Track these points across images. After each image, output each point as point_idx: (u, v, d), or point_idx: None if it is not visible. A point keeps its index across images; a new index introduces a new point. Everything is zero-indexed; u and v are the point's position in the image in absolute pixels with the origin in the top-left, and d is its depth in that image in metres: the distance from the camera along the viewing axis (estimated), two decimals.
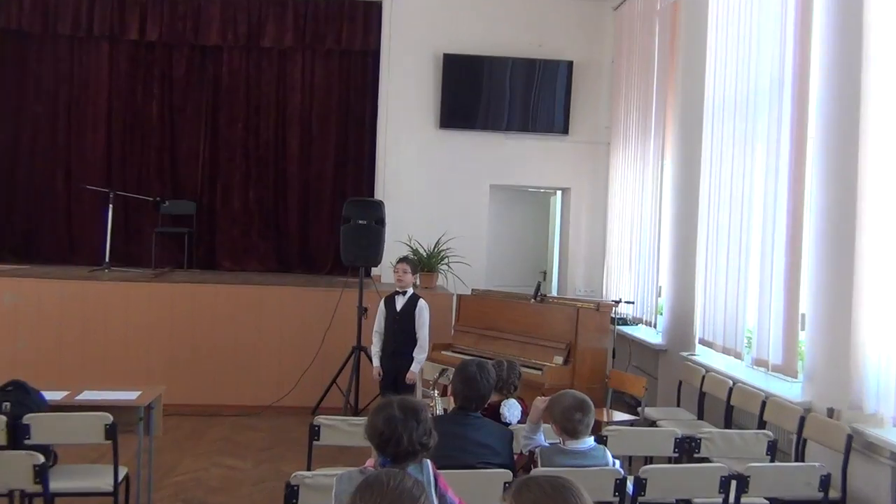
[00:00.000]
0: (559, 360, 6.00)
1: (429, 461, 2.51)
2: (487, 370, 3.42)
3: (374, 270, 8.07)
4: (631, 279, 7.85)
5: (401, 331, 5.63)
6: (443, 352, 6.49)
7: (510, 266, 9.30)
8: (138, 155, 8.90)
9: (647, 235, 7.50)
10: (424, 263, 7.57)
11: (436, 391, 4.03)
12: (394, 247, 7.71)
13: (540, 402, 3.35)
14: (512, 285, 8.64)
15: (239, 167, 9.00)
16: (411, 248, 7.97)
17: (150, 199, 8.45)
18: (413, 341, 5.59)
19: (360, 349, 6.56)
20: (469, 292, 7.20)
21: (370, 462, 2.51)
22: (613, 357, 6.70)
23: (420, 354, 5.59)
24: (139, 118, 8.87)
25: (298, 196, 9.06)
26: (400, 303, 5.71)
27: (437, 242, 8.03)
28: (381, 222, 6.50)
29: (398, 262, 5.76)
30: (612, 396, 6.02)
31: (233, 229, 9.00)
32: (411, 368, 5.55)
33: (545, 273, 9.56)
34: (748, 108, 5.64)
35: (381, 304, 5.72)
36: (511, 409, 3.84)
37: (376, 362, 5.71)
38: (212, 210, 8.99)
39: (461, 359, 5.38)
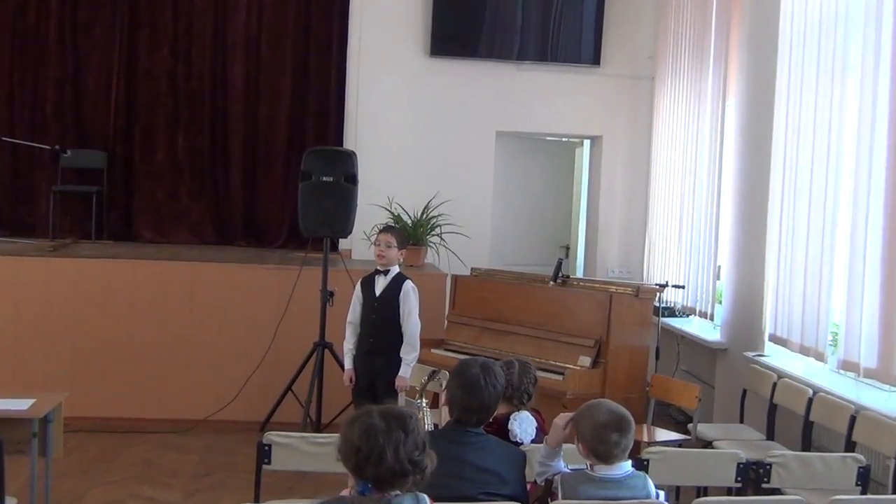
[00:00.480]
0: (586, 361, 6.03)
1: (426, 497, 2.54)
2: (494, 373, 3.45)
3: (343, 243, 8.14)
4: (681, 257, 7.91)
5: (381, 322, 5.63)
6: (433, 350, 6.53)
7: (522, 239, 9.41)
8: (30, 90, 8.87)
9: (703, 199, 7.54)
10: (410, 234, 7.58)
11: (423, 400, 4.02)
12: (369, 212, 7.71)
13: (562, 422, 3.39)
14: (524, 264, 8.71)
15: (164, 107, 8.99)
16: (392, 214, 7.99)
17: (47, 147, 8.43)
18: (397, 336, 5.60)
19: (324, 346, 6.59)
20: (468, 272, 7.25)
21: (346, 492, 2.53)
22: (657, 358, 6.79)
23: (409, 354, 5.59)
24: (31, 41, 8.83)
25: (243, 145, 9.06)
26: (381, 285, 5.69)
27: (427, 207, 8.06)
28: (352, 180, 6.53)
29: (380, 233, 5.77)
30: (654, 409, 6.09)
31: (156, 189, 9.01)
32: (400, 373, 5.53)
33: (568, 248, 9.64)
34: (837, 30, 5.62)
35: (357, 287, 5.74)
36: (523, 425, 3.89)
37: (348, 363, 5.72)
38: (128, 163, 8.98)
39: (456, 359, 5.47)
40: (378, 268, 5.71)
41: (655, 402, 6.12)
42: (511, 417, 3.90)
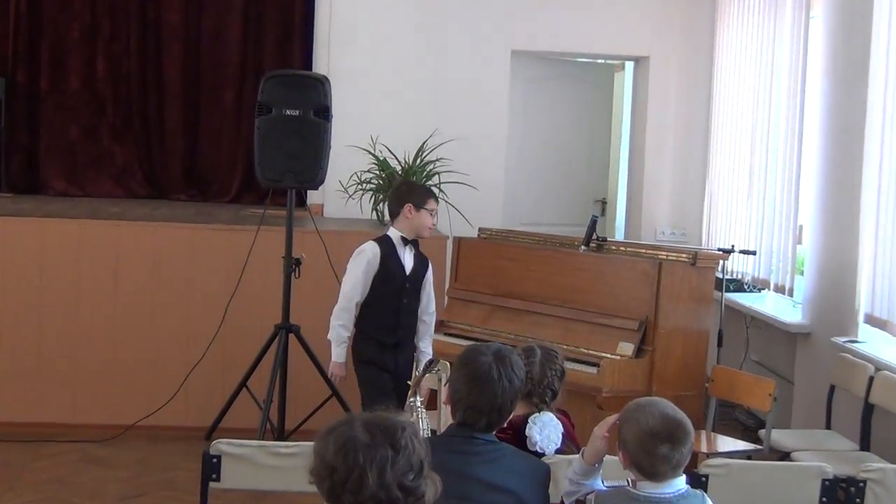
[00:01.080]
0: (627, 349, 6.03)
1: None
2: (511, 363, 3.46)
3: (313, 196, 8.16)
4: (751, 214, 7.95)
5: (410, 309, 5.85)
6: None
7: (545, 191, 9.39)
8: None
9: (781, 141, 7.53)
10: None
11: (418, 398, 4.03)
12: (345, 156, 7.71)
13: (602, 430, 3.43)
14: (548, 223, 8.69)
15: (79, 18, 8.92)
16: (377, 158, 7.96)
17: None
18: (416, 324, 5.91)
19: (288, 330, 6.58)
20: (475, 234, 7.27)
21: None
22: (720, 345, 6.81)
23: (430, 347, 5.89)
24: None
25: (182, 69, 9.02)
26: (409, 259, 5.86)
27: (421, 150, 8.05)
28: (323, 113, 6.53)
29: (432, 198, 5.88)
30: (716, 411, 6.12)
31: (68, 126, 8.97)
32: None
33: (604, 203, 9.68)
34: None
35: (371, 256, 5.79)
36: (545, 430, 3.91)
37: (340, 354, 5.78)
38: (32, 93, 8.93)
39: (460, 346, 5.50)
40: (405, 235, 5.83)
41: (717, 403, 6.12)
42: (529, 421, 3.93)
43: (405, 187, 6.14)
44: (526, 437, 3.87)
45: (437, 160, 8.02)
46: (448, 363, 3.84)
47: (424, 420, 3.94)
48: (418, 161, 7.94)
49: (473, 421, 3.37)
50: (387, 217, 6.65)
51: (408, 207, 5.77)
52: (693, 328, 6.29)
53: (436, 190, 7.75)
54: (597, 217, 6.97)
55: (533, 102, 9.35)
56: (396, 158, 7.97)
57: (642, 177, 9.11)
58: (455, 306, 6.82)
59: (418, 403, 4.00)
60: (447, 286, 7.00)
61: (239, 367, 6.80)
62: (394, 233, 5.80)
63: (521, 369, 3.50)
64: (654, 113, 9.10)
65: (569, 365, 4.43)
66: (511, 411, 3.48)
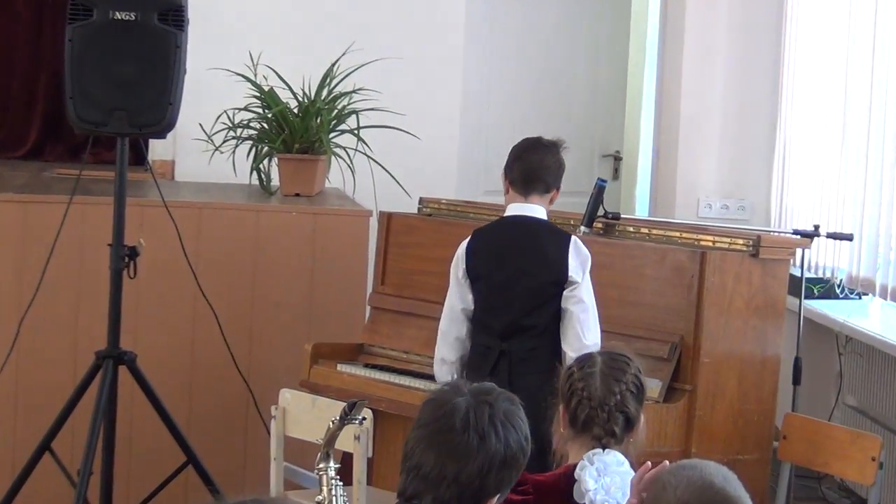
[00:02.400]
0: (653, 387, 5.99)
1: None
2: (496, 411, 3.53)
3: (158, 149, 8.38)
4: (846, 183, 8.05)
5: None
6: (341, 365, 6.74)
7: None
8: None
9: (886, 74, 7.59)
10: (295, 129, 7.71)
11: (331, 463, 4.21)
12: (210, 84, 7.88)
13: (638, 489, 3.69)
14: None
15: None
16: (260, 90, 8.00)
17: None
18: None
19: (117, 359, 6.55)
20: (414, 209, 7.39)
21: None
22: (797, 381, 6.82)
23: None
24: None
25: None
26: None
27: (329, 76, 8.08)
28: (175, 17, 6.51)
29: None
30: (792, 483, 6.16)
31: None
32: None
33: (618, 161, 9.91)
34: None
35: (464, 255, 6.11)
36: (606, 475, 4.12)
37: None
38: None
39: (387, 384, 5.88)
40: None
41: (794, 471, 6.16)
42: (584, 458, 4.16)
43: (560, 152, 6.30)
44: (572, 488, 4.10)
45: (353, 91, 8.02)
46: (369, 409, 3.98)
47: (341, 498, 4.13)
48: (325, 93, 7.94)
49: (414, 494, 3.44)
50: (274, 181, 6.71)
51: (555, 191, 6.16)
52: (755, 355, 6.30)
53: (349, 139, 7.97)
54: (604, 182, 6.89)
55: (505, 7, 9.47)
56: (290, 89, 7.96)
57: (677, 121, 9.19)
58: (382, 322, 6.88)
59: (331, 472, 4.15)
60: (369, 290, 7.07)
61: (38, 419, 6.78)
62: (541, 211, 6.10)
63: (517, 424, 3.55)
64: (695, 30, 9.20)
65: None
66: (493, 490, 3.51)
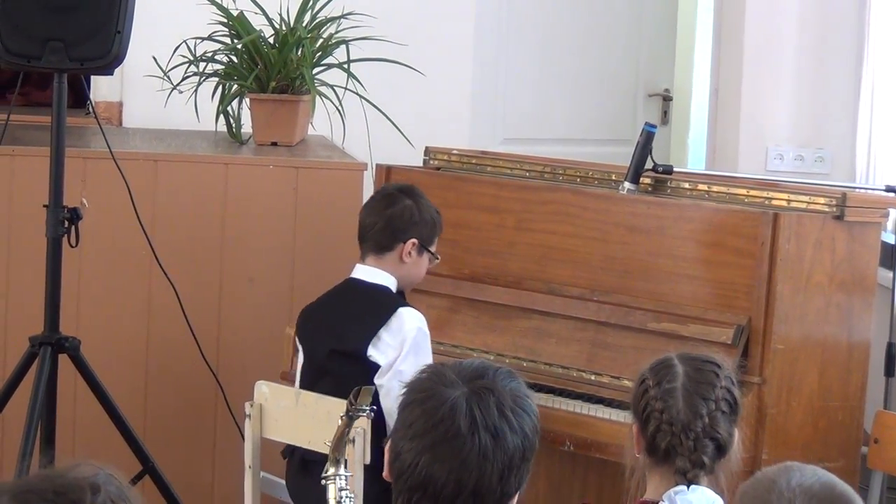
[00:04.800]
0: None
1: None
2: (500, 402, 3.46)
3: (103, 87, 8.48)
4: None
5: None
6: None
7: (552, 81, 9.65)
8: None
9: None
10: (269, 63, 7.55)
11: (342, 469, 4.26)
12: (165, 7, 8.07)
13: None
14: (557, 139, 9.06)
15: None
16: (227, 14, 7.75)
17: None
18: None
19: (57, 347, 6.43)
20: (419, 161, 7.28)
21: None
22: (890, 371, 6.76)
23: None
24: None
25: None
26: None
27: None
28: None
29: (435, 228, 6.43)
30: (884, 494, 6.17)
31: None
32: None
33: (668, 102, 10.07)
34: None
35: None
36: None
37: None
38: None
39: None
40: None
41: (887, 480, 6.13)
42: (665, 497, 4.13)
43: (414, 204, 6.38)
44: None
45: (343, 16, 7.75)
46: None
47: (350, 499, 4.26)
48: (307, 19, 7.68)
49: None
50: (246, 127, 7.31)
51: (411, 243, 6.21)
52: (839, 341, 6.06)
53: (338, 75, 7.75)
54: (654, 128, 6.70)
55: None
56: (265, 13, 7.70)
57: (741, 53, 8.98)
58: None
59: (342, 480, 4.21)
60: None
61: None
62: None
63: (526, 404, 3.55)
64: None
65: (603, 412, 5.18)
66: (514, 489, 3.51)
